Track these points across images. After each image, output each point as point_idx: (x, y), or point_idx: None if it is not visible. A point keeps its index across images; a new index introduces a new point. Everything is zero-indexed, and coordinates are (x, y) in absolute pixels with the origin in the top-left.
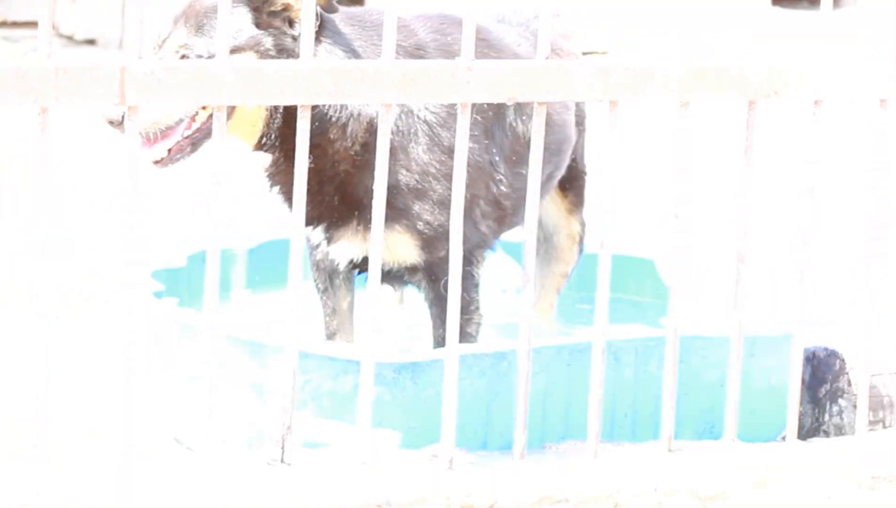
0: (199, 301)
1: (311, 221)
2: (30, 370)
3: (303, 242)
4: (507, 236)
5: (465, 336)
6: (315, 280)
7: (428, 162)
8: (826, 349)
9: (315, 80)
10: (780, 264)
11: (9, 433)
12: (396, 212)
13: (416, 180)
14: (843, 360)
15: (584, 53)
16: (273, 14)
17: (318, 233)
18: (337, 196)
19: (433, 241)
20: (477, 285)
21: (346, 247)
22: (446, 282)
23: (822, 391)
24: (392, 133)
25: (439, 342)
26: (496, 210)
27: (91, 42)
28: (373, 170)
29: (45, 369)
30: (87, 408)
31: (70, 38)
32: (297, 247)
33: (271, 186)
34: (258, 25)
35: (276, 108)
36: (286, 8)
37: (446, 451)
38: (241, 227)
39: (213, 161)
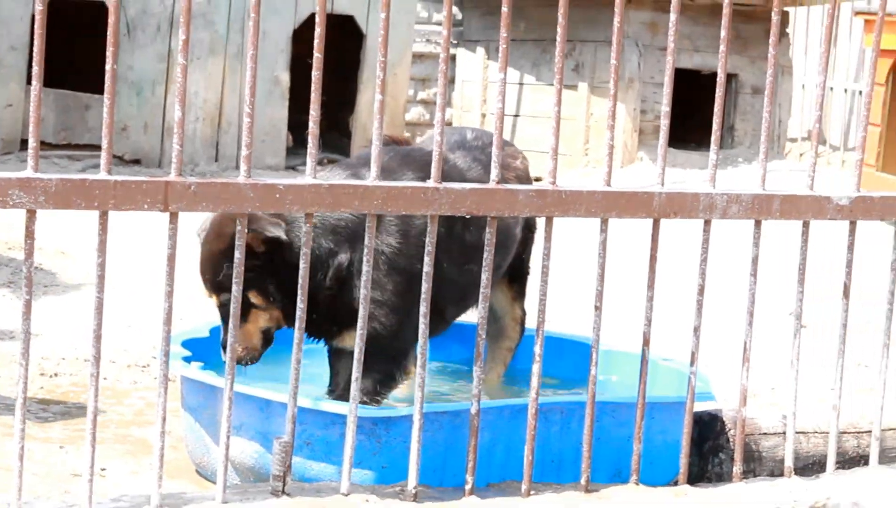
0: (219, 365)
1: (313, 336)
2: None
3: (304, 322)
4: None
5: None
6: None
7: (386, 282)
8: (710, 414)
9: (317, 194)
10: (677, 348)
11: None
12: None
13: (378, 296)
14: (723, 422)
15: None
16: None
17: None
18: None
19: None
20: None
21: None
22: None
23: (707, 446)
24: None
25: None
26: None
27: (137, 162)
28: (343, 297)
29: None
30: (130, 443)
31: (120, 159)
32: (300, 326)
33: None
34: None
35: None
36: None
37: (412, 486)
38: None
39: (236, 257)
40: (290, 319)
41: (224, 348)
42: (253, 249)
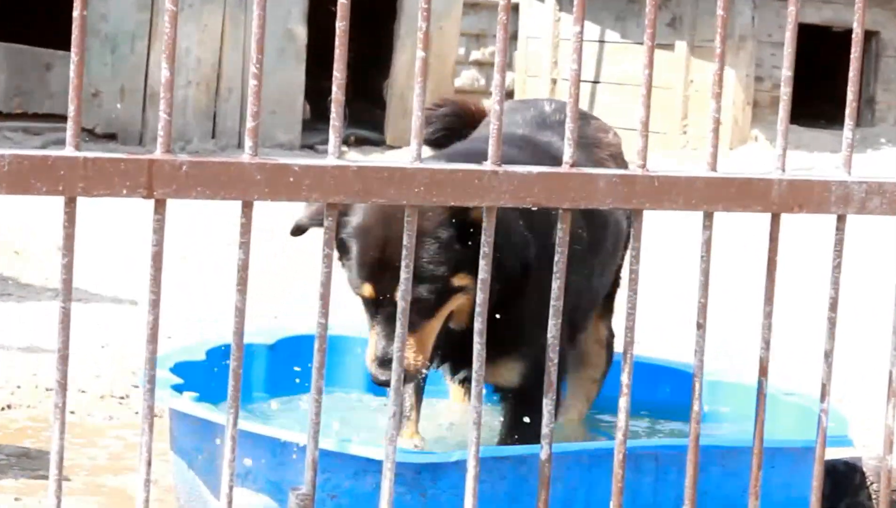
0: (218, 396)
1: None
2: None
3: (326, 341)
4: None
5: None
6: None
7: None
8: (846, 463)
9: (342, 179)
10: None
11: None
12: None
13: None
14: (863, 474)
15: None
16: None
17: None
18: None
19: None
20: None
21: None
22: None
23: (842, 505)
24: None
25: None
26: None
27: (111, 137)
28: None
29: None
30: (104, 495)
31: (91, 132)
32: (321, 347)
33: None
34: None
35: None
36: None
37: None
38: (259, 324)
39: (239, 258)
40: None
41: (383, 363)
42: (476, 223)
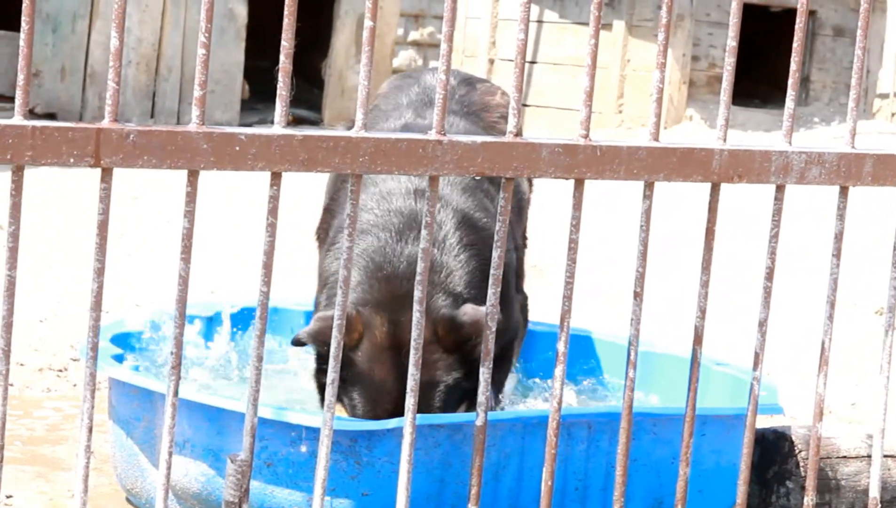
0: (158, 366)
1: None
2: None
3: (267, 310)
4: None
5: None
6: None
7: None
8: (775, 432)
9: (288, 148)
10: (736, 343)
11: None
12: None
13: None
14: (792, 442)
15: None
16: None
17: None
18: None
19: None
20: None
21: None
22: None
23: (770, 472)
24: None
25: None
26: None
27: (51, 116)
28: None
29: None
30: (42, 464)
31: (31, 112)
32: (262, 315)
33: None
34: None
35: None
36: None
37: None
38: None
39: (183, 226)
40: None
41: None
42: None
